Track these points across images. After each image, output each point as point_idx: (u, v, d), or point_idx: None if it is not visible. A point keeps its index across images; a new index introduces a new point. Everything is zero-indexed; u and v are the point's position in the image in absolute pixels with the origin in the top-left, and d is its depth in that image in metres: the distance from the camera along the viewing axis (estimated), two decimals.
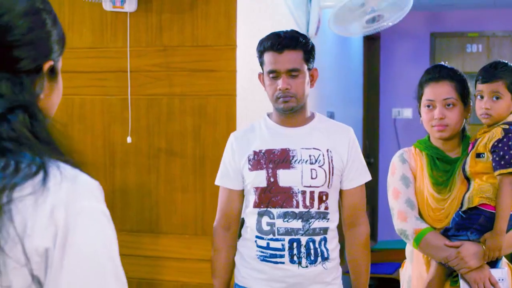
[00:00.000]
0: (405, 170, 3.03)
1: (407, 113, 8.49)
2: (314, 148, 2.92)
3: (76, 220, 1.18)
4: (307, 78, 2.93)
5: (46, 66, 1.31)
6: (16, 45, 1.25)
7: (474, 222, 2.82)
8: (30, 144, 1.21)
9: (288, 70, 2.87)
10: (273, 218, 2.88)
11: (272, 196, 2.88)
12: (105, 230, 1.23)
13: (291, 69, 2.88)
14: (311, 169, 2.88)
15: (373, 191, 8.03)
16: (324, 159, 2.91)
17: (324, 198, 2.90)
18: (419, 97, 3.06)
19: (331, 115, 6.03)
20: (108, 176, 3.99)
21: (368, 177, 3.04)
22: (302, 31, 4.84)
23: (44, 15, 1.30)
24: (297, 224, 2.86)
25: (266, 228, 2.90)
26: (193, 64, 3.83)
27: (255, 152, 2.95)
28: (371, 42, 8.22)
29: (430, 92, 2.98)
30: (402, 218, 2.95)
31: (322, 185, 2.89)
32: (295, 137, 2.95)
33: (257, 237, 2.93)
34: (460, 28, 8.40)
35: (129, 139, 3.89)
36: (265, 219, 2.90)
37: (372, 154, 8.32)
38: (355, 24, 4.72)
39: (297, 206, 2.86)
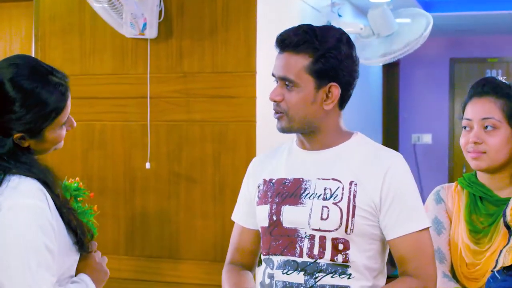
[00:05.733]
0: (439, 212, 2.38)
1: (427, 138, 8.46)
2: (333, 179, 2.13)
3: (4, 211, 1.85)
4: (313, 95, 2.12)
5: (15, 135, 1.95)
6: None
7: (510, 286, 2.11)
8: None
9: (280, 78, 2.14)
10: (273, 269, 2.17)
11: (272, 240, 2.18)
12: (20, 218, 1.85)
13: (282, 77, 2.13)
14: (323, 207, 2.11)
15: None
16: (342, 194, 2.11)
17: (341, 247, 2.11)
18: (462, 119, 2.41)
19: None
20: (128, 201, 4.00)
21: (422, 223, 2.13)
22: None
23: (13, 104, 1.92)
24: (297, 277, 2.12)
25: (267, 281, 2.19)
26: (213, 91, 3.85)
27: (264, 181, 2.25)
28: (390, 68, 8.22)
29: (469, 109, 2.32)
30: None
31: (336, 229, 2.10)
32: (312, 164, 2.19)
33: None
34: (480, 54, 8.40)
35: (148, 165, 3.91)
36: (268, 270, 2.20)
37: None
38: (373, 54, 4.76)
39: (300, 255, 2.12)
